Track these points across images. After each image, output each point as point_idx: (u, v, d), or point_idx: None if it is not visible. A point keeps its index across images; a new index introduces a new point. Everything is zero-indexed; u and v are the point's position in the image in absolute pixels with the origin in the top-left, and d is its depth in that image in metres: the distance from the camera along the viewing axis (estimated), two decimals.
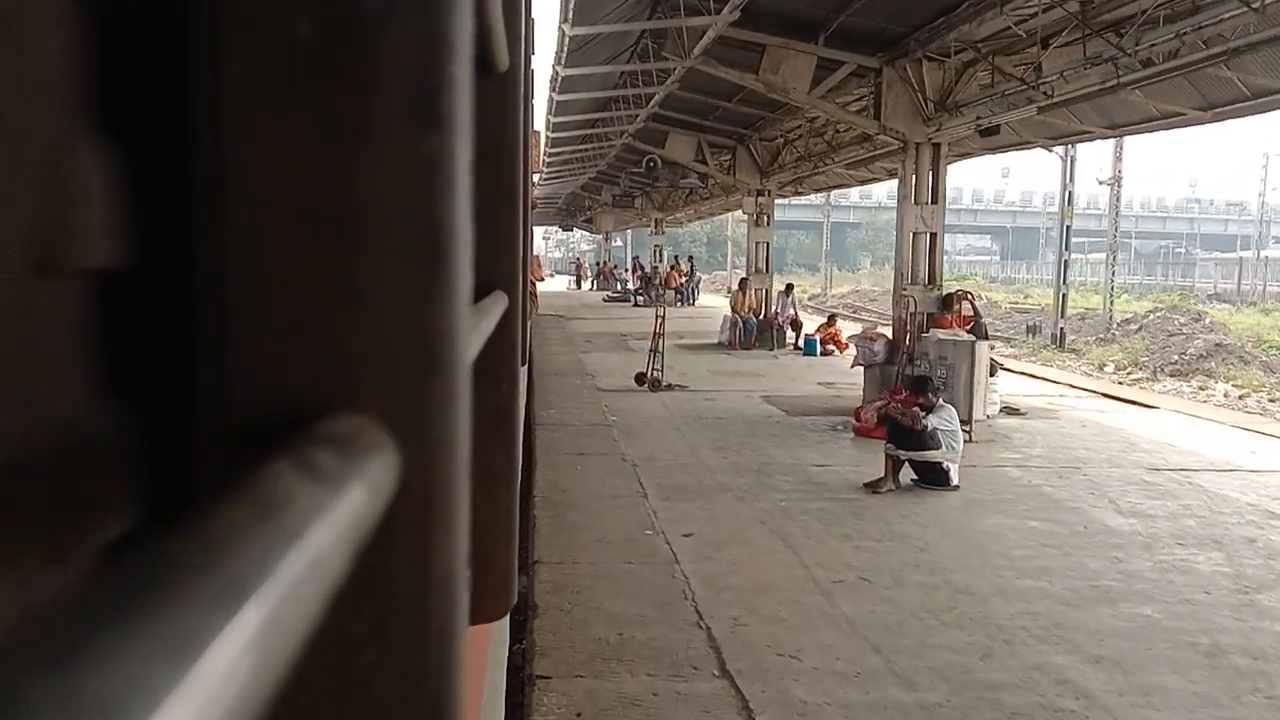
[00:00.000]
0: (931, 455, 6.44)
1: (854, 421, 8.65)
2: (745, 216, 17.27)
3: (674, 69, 10.41)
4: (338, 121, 0.34)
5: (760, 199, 16.65)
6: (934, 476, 6.47)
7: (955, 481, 6.48)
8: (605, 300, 30.26)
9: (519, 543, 1.58)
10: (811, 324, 16.72)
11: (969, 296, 9.73)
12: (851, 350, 14.46)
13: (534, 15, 2.14)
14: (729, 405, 10.03)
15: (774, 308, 16.53)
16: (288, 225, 0.34)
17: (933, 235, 9.69)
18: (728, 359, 14.53)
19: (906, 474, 6.53)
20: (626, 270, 37.21)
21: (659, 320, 11.24)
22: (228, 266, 0.34)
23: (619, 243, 48.16)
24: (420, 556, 0.36)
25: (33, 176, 0.32)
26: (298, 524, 0.24)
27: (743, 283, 16.56)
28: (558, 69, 10.93)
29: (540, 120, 15.89)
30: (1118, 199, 26.51)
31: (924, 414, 6.49)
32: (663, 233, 30.78)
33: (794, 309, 16.55)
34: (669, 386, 11.01)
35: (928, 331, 9.23)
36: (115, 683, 0.16)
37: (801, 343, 15.52)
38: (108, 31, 0.36)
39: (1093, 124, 11.65)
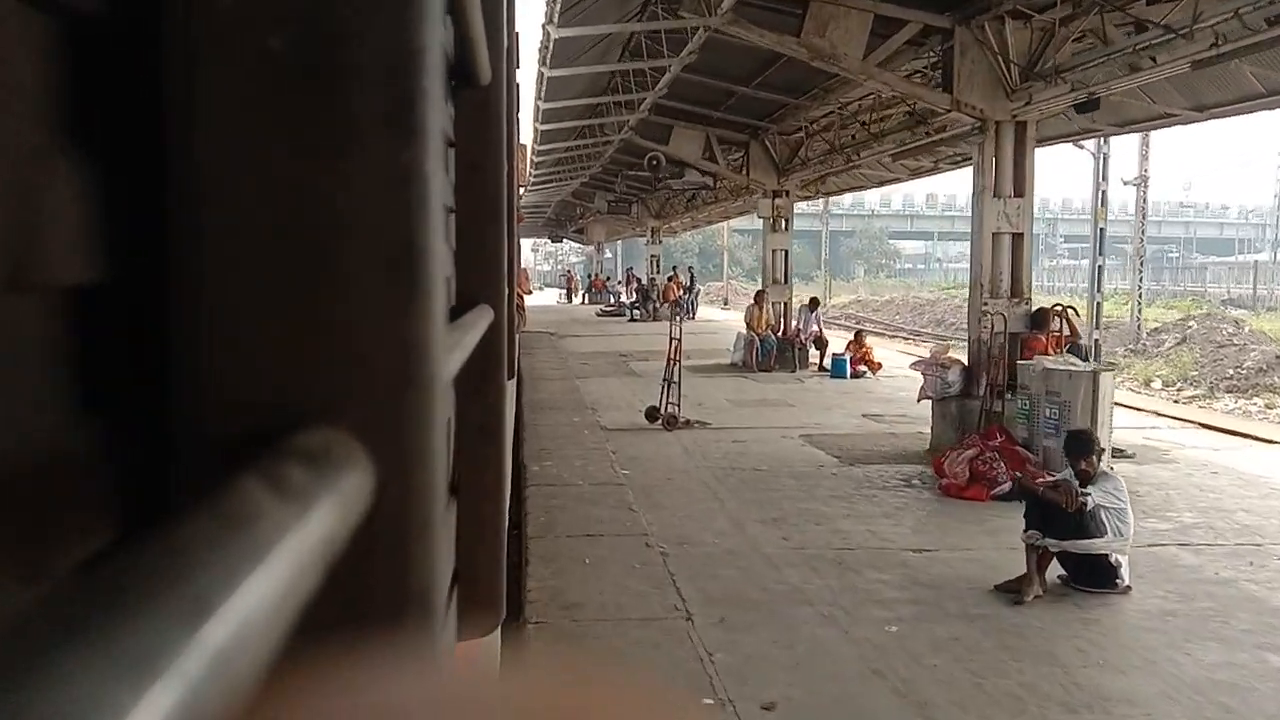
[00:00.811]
0: (1096, 545, 4.51)
1: (936, 475, 6.73)
2: (760, 220, 15.18)
3: (692, 32, 8.49)
4: (310, 134, 0.34)
5: (778, 201, 14.51)
6: (1096, 574, 4.52)
7: (1126, 580, 4.55)
8: (599, 315, 27.86)
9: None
10: (836, 341, 14.80)
11: (1065, 312, 7.84)
12: (883, 366, 13.16)
13: (518, 29, 2.09)
14: (766, 449, 8.04)
15: (794, 323, 14.62)
16: (261, 238, 0.34)
17: (1018, 236, 7.80)
18: (748, 384, 12.49)
19: (1052, 567, 4.61)
20: (620, 283, 35.11)
21: (674, 344, 9.30)
22: (200, 280, 0.34)
23: (609, 254, 46.47)
24: (397, 571, 0.36)
25: (5, 191, 0.31)
26: (265, 540, 0.24)
27: (759, 296, 14.40)
28: (549, 30, 9.11)
29: (528, 117, 14.44)
30: (1144, 200, 24.69)
31: (1083, 487, 4.57)
32: (660, 242, 28.57)
33: (818, 325, 14.53)
34: (687, 423, 9.05)
35: (1025, 356, 7.31)
36: (70, 703, 0.15)
37: (828, 363, 13.61)
38: (81, 45, 0.35)
39: (1176, 105, 9.75)
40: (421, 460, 0.37)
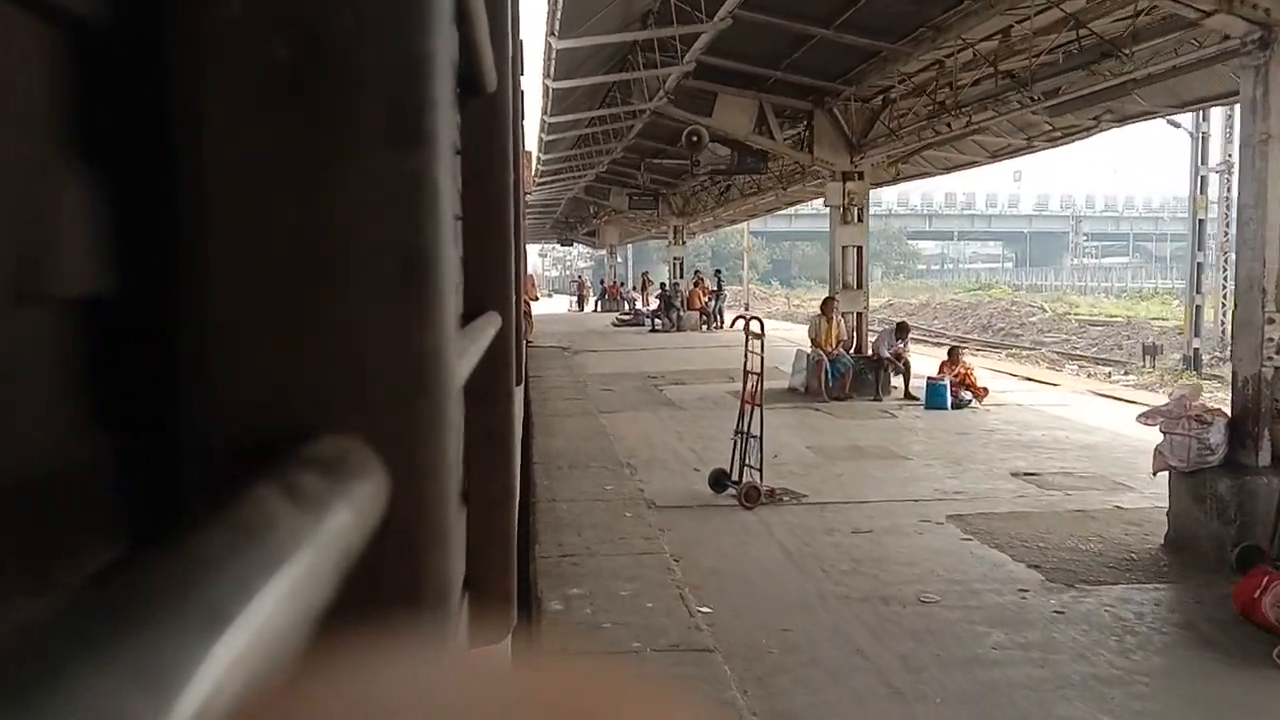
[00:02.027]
0: None
1: (1245, 616, 3.85)
2: (826, 208, 11.94)
3: None
4: (317, 143, 0.34)
5: (850, 186, 11.27)
6: None
7: None
8: (615, 324, 24.80)
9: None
10: (922, 362, 11.70)
11: None
12: (989, 392, 10.18)
13: (521, 37, 2.04)
14: (911, 550, 5.07)
15: (870, 342, 11.54)
16: (269, 248, 0.33)
17: None
18: (825, 421, 9.52)
19: None
20: (634, 288, 32.73)
21: (752, 380, 6.39)
22: (209, 290, 0.33)
23: (619, 259, 43.43)
24: (410, 580, 0.36)
25: (12, 202, 0.31)
26: (281, 548, 0.24)
27: (827, 305, 11.26)
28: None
29: (534, 102, 12.69)
30: (1229, 190, 21.74)
31: None
32: (684, 243, 25.08)
33: (903, 344, 11.27)
34: (773, 495, 6.16)
35: None
36: (90, 713, 0.15)
37: (917, 388, 10.59)
38: (86, 54, 0.35)
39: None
40: (434, 468, 0.36)
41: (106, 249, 0.35)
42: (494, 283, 1.17)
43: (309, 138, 0.33)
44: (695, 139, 11.21)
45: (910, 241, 70.70)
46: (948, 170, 14.47)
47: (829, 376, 10.74)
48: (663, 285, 24.57)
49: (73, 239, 0.34)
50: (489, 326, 1.07)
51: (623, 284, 33.85)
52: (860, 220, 11.65)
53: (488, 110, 1.13)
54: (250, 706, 0.20)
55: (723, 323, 21.83)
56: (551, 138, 15.45)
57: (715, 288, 23.41)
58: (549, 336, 18.79)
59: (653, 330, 21.63)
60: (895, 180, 14.66)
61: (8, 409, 0.31)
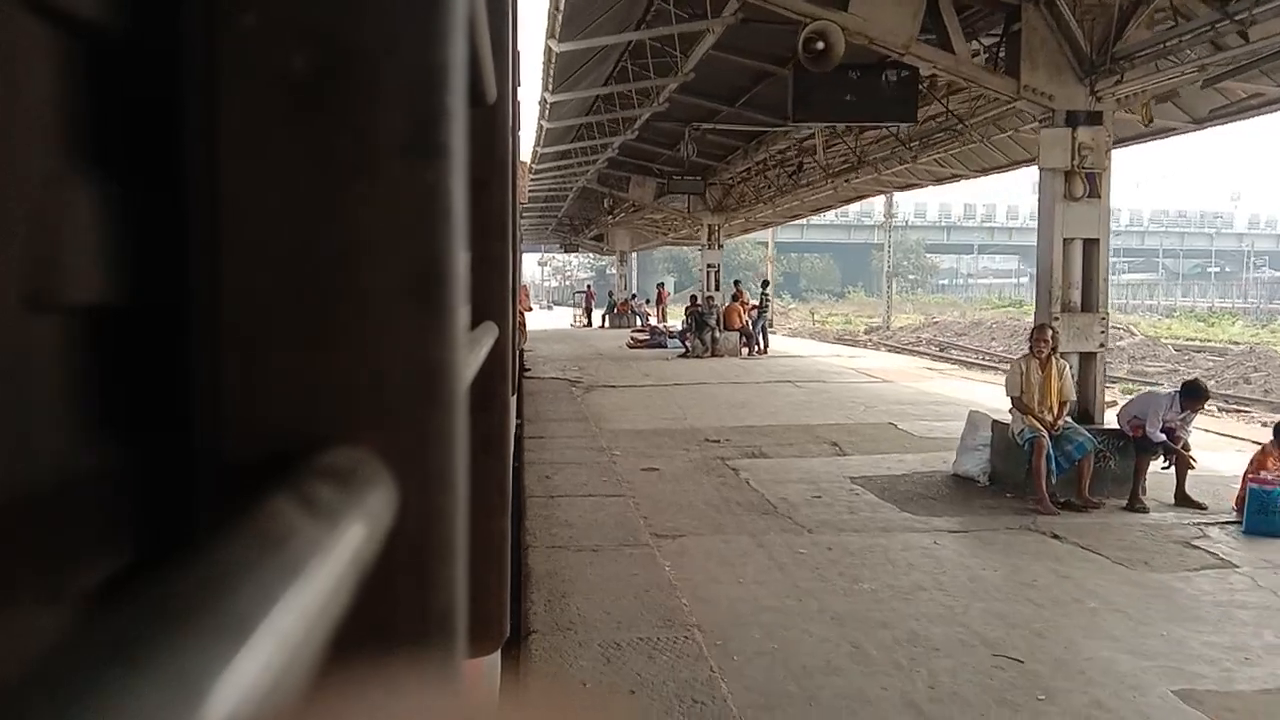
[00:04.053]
0: None
1: None
2: (1046, 174, 6.73)
3: None
4: (333, 153, 0.34)
5: (1082, 134, 6.53)
6: None
7: None
8: (631, 345, 19.88)
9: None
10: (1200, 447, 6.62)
11: None
12: None
13: (519, 48, 2.05)
14: None
15: (1122, 409, 6.57)
16: (283, 258, 0.34)
17: None
18: (1085, 577, 4.52)
19: None
20: (647, 302, 28.86)
21: None
22: (223, 300, 0.34)
23: (613, 271, 42.63)
24: (419, 591, 0.36)
25: (25, 212, 0.31)
26: (299, 559, 0.24)
27: (1040, 336, 6.39)
28: None
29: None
30: None
31: None
32: (720, 246, 19.46)
33: (1187, 414, 6.13)
34: None
35: None
36: None
37: (1209, 495, 6.08)
38: (101, 64, 0.35)
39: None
40: (444, 479, 0.36)
41: (122, 258, 0.36)
42: (492, 293, 1.17)
43: (325, 149, 0.33)
44: (820, 46, 6.37)
45: (927, 255, 67.70)
46: (1210, 121, 8.56)
47: (1052, 470, 6.05)
48: (693, 298, 19.62)
49: (87, 248, 0.34)
50: (486, 336, 1.07)
51: (633, 296, 29.43)
52: (1095, 195, 6.68)
53: (488, 122, 1.14)
54: (272, 714, 0.20)
55: (766, 347, 18.24)
56: (558, 98, 11.24)
57: (759, 303, 19.07)
58: (550, 362, 15.13)
59: (683, 355, 17.37)
60: (1146, 134, 8.70)
61: (21, 417, 0.31)
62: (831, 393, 11.34)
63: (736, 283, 19.89)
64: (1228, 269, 65.49)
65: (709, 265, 19.06)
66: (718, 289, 18.63)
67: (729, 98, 10.26)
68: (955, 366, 17.53)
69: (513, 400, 1.52)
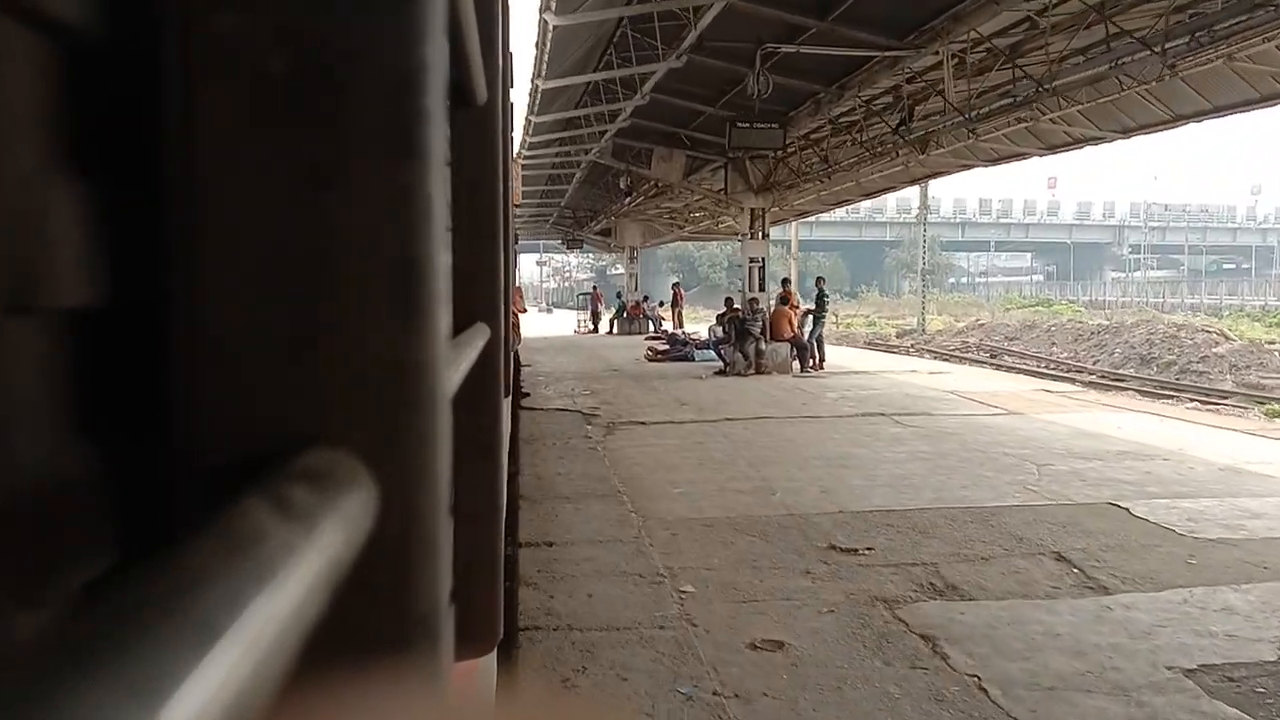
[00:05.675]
0: None
1: None
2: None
3: None
4: (311, 155, 0.34)
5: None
6: None
7: None
8: (650, 358, 16.12)
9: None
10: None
11: None
12: None
13: (511, 49, 2.06)
14: None
15: None
16: (261, 260, 0.34)
17: None
18: None
19: None
20: (660, 305, 25.72)
21: None
22: (200, 302, 0.34)
23: (618, 270, 36.38)
24: (401, 594, 0.36)
25: (4, 215, 0.31)
26: (271, 561, 0.24)
27: None
28: None
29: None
30: None
31: None
32: (765, 235, 14.89)
33: None
34: None
35: None
36: None
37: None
38: (79, 66, 0.35)
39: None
40: (424, 481, 0.36)
41: (100, 261, 0.36)
42: (483, 294, 1.17)
43: (303, 151, 0.34)
44: None
45: (943, 252, 63.72)
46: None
47: None
48: (728, 301, 15.42)
49: (66, 250, 0.34)
50: (478, 338, 1.07)
51: (645, 298, 25.62)
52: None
53: (478, 122, 1.14)
54: (240, 719, 0.20)
55: (823, 361, 14.42)
56: (561, 21, 8.48)
57: (814, 306, 14.76)
58: (554, 381, 12.08)
59: (723, 373, 13.58)
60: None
61: (1, 421, 0.31)
62: (957, 435, 7.48)
63: (785, 281, 15.96)
64: (1244, 265, 63.81)
65: (751, 259, 14.64)
66: (763, 289, 14.27)
67: (817, 6, 6.63)
68: (1077, 388, 13.27)
69: (506, 403, 1.49)
